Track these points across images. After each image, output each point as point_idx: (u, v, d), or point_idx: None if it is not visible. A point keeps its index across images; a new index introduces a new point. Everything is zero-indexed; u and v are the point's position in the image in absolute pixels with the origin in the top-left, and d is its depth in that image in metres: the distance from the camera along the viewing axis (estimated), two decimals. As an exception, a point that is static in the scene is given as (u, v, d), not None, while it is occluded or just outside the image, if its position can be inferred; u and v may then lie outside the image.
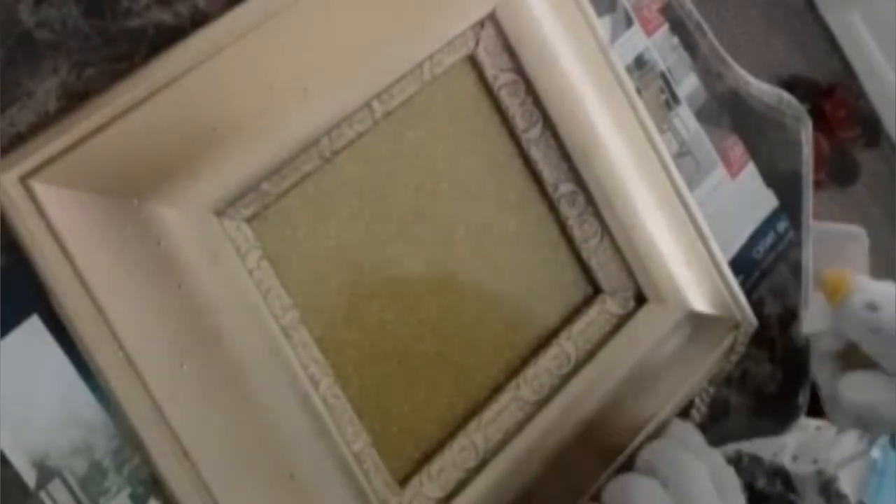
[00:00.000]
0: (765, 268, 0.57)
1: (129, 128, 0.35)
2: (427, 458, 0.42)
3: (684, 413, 0.51)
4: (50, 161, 0.34)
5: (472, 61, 0.45)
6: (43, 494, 0.34)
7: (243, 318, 0.37)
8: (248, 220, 0.38)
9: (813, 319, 0.49)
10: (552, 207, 0.47)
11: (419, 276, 0.43)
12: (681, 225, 0.49)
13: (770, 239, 0.58)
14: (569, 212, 0.47)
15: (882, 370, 0.46)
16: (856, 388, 0.46)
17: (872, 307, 0.45)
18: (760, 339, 0.55)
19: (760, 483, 0.50)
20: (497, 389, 0.44)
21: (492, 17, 0.44)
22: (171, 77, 0.36)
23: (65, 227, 0.34)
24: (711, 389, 0.53)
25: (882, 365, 0.45)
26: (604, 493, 0.42)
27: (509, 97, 0.45)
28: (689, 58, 0.56)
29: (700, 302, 0.49)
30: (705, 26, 0.56)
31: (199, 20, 0.38)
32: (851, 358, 0.47)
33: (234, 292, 0.37)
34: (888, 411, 0.45)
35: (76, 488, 0.35)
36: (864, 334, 0.46)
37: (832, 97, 1.74)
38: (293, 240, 0.40)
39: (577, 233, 0.47)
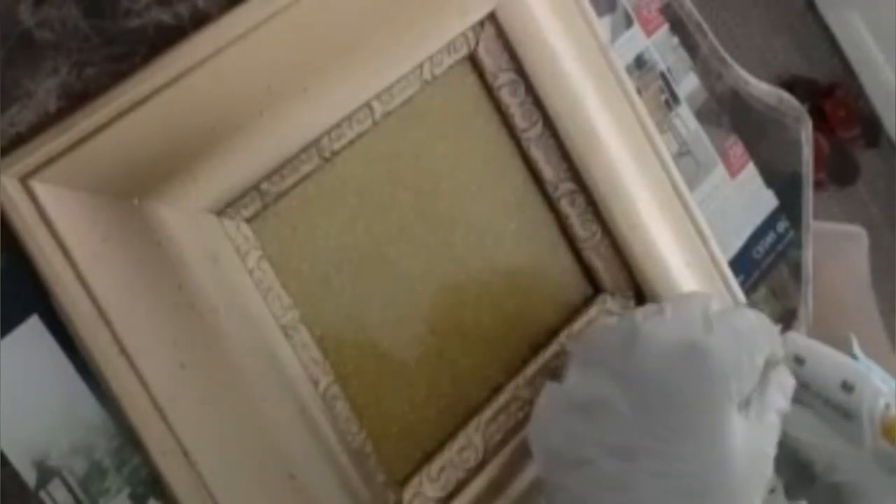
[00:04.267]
0: (765, 268, 0.57)
1: (128, 128, 0.35)
2: (427, 458, 0.42)
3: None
4: (50, 161, 0.34)
5: (472, 61, 0.45)
6: (43, 494, 0.34)
7: (243, 318, 0.37)
8: (248, 220, 0.38)
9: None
10: (552, 207, 0.47)
11: (419, 276, 0.43)
12: (681, 225, 0.49)
13: (770, 239, 0.58)
14: (569, 212, 0.47)
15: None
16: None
17: (799, 360, 0.46)
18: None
19: None
20: (497, 389, 0.44)
21: (492, 17, 0.44)
22: (171, 77, 0.36)
23: (65, 227, 0.34)
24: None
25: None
26: None
27: (509, 97, 0.45)
28: (689, 58, 0.56)
29: (700, 302, 0.49)
30: (705, 26, 0.56)
31: (199, 20, 0.38)
32: None
33: (234, 292, 0.37)
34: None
35: (76, 488, 0.35)
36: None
37: (832, 97, 1.74)
38: (293, 240, 0.40)
39: (577, 233, 0.47)
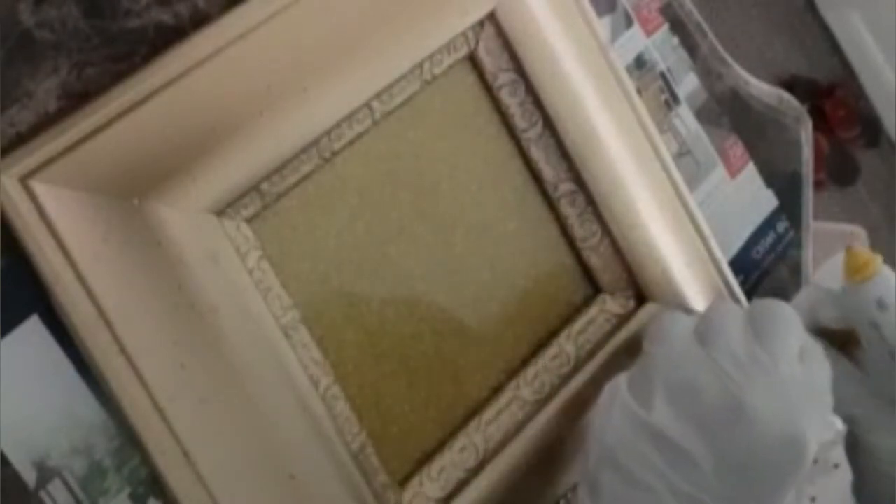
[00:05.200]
0: (765, 268, 0.57)
1: (128, 128, 0.35)
2: (427, 458, 0.42)
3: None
4: (50, 161, 0.34)
5: (472, 61, 0.45)
6: (43, 494, 0.34)
7: (243, 318, 0.37)
8: (248, 220, 0.38)
9: (826, 275, 0.48)
10: (552, 207, 0.47)
11: (419, 276, 0.43)
12: (681, 225, 0.49)
13: (770, 239, 0.58)
14: (569, 212, 0.47)
15: (862, 377, 0.45)
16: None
17: (881, 305, 0.45)
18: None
19: None
20: (497, 389, 0.44)
21: (492, 17, 0.44)
22: (171, 77, 0.36)
23: (65, 227, 0.34)
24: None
25: (868, 360, 0.45)
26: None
27: (509, 97, 0.45)
28: (689, 58, 0.56)
29: (700, 302, 0.49)
30: (705, 26, 0.56)
31: (199, 20, 0.38)
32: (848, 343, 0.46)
33: (234, 292, 0.37)
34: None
35: (76, 488, 0.35)
36: (864, 324, 0.45)
37: (832, 97, 1.75)
38: (293, 240, 0.40)
39: (577, 233, 0.47)
